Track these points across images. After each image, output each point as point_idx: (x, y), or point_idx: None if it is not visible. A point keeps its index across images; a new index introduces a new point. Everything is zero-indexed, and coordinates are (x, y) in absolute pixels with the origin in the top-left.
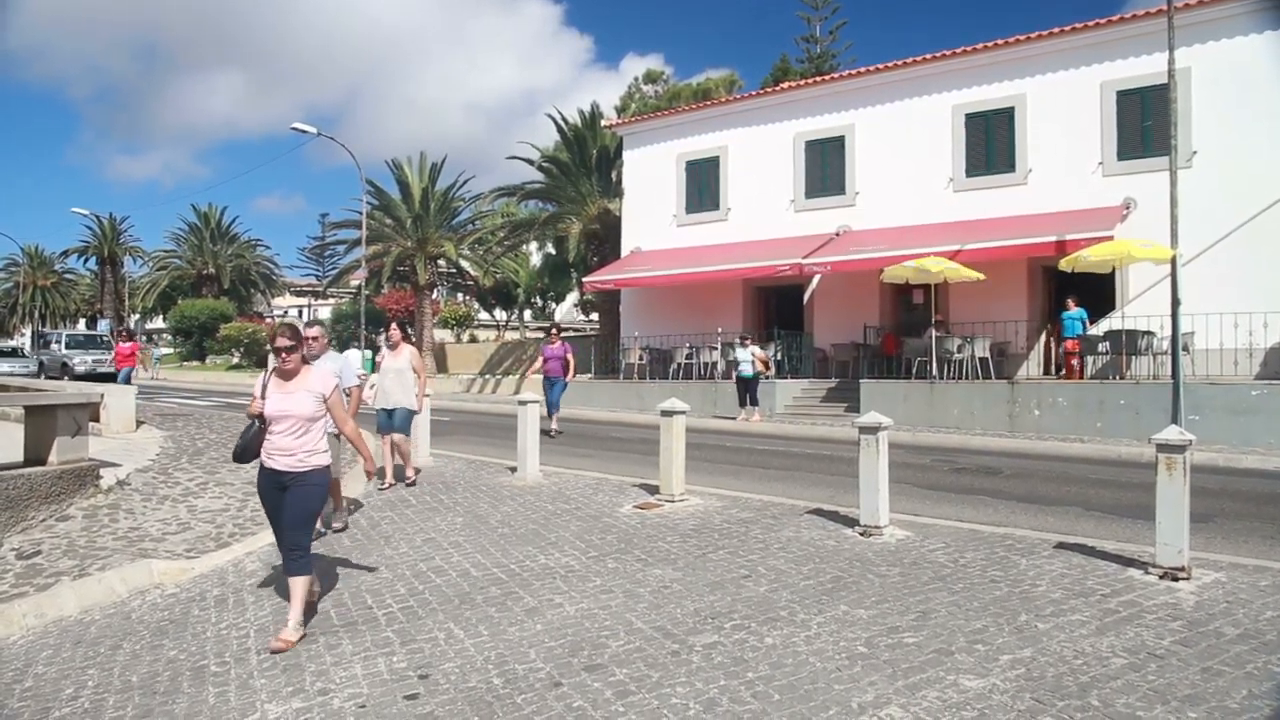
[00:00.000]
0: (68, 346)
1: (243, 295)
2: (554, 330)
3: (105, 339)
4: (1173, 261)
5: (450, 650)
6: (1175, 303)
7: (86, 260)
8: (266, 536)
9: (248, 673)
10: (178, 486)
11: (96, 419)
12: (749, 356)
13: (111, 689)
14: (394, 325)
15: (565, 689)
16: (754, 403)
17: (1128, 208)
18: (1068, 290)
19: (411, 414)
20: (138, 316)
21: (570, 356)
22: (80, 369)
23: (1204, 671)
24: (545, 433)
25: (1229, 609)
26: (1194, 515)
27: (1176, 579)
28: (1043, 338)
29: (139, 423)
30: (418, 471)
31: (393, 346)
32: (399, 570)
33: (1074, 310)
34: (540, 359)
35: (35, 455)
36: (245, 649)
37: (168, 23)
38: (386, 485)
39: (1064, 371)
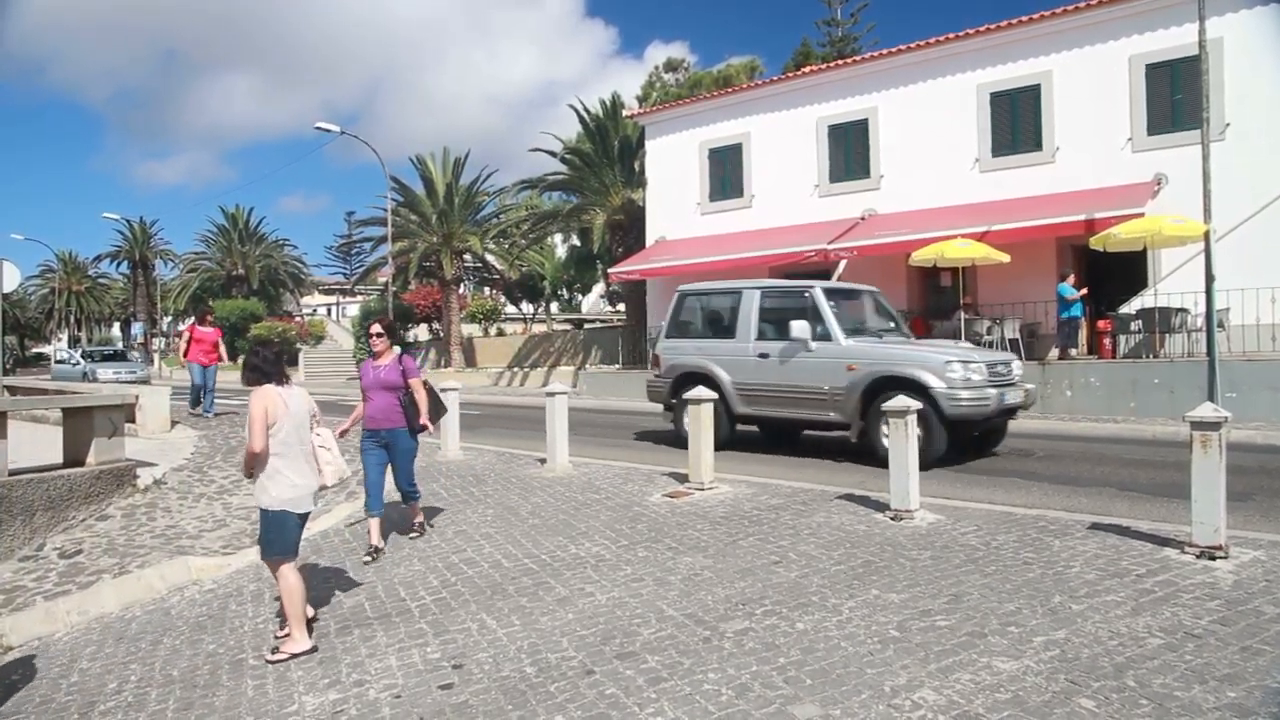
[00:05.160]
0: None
1: (272, 295)
2: (373, 334)
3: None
4: (1206, 237)
5: (483, 640)
6: (1209, 279)
7: (119, 264)
8: None
9: (285, 665)
10: (212, 485)
11: (133, 420)
12: None
13: (154, 683)
14: (253, 348)
15: (598, 676)
16: None
17: (1159, 184)
18: (1098, 269)
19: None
20: (170, 318)
21: (421, 377)
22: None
23: (1243, 651)
24: (374, 552)
25: (1269, 587)
26: (1231, 493)
27: (1213, 558)
28: None
29: (173, 423)
30: (312, 622)
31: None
32: (431, 562)
33: (1072, 286)
34: (361, 392)
35: (74, 456)
36: None
37: (186, 26)
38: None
39: (1066, 352)
